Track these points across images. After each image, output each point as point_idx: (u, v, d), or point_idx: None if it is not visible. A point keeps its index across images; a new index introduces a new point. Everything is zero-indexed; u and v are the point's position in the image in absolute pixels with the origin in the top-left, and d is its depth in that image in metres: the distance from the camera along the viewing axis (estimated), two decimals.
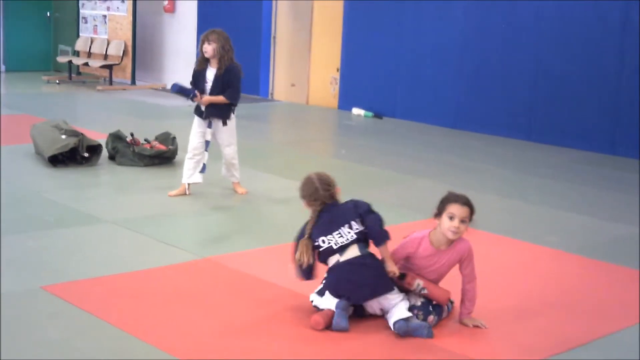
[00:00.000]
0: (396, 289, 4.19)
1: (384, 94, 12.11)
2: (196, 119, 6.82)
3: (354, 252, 4.18)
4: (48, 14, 16.88)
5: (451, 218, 4.12)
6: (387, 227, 4.28)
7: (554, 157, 9.56)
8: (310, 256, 4.23)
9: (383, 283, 4.14)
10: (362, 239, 4.23)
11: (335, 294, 4.13)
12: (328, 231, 4.22)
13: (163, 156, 7.97)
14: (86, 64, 15.12)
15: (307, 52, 13.26)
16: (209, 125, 6.79)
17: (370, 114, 12.10)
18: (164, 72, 15.24)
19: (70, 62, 15.43)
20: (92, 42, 15.37)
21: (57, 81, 15.25)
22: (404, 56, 11.79)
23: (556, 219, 6.72)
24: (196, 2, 14.48)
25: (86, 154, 7.80)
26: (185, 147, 6.90)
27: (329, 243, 4.21)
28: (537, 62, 10.41)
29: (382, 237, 4.22)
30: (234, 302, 4.48)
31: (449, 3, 11.24)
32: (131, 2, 14.62)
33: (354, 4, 12.34)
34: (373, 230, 4.23)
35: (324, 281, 4.28)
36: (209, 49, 6.54)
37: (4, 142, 8.68)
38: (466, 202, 4.15)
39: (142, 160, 7.86)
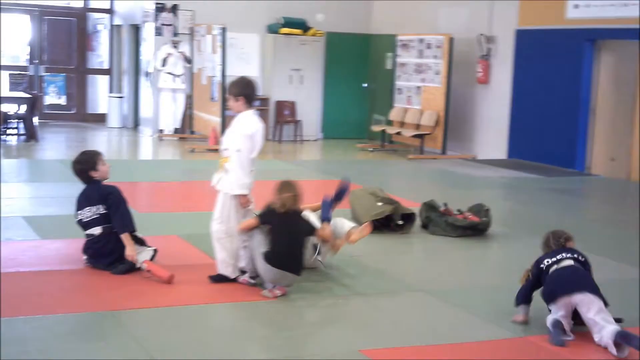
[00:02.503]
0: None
1: None
2: None
3: (569, 262, 5.14)
4: (364, 85, 17.67)
5: None
6: None
7: None
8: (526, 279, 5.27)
9: (592, 283, 5.03)
10: (579, 261, 5.17)
11: (551, 294, 5.00)
12: (552, 256, 5.19)
13: (476, 228, 7.80)
14: (399, 133, 15.54)
15: (630, 124, 12.47)
16: None
17: None
18: (475, 142, 15.18)
19: (383, 131, 15.97)
20: (405, 112, 15.79)
21: (371, 149, 15.83)
22: None
23: None
24: (511, 72, 14.32)
25: (400, 222, 7.89)
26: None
27: (550, 260, 5.17)
28: None
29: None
30: None
31: None
32: (446, 74, 14.84)
33: None
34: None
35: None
36: None
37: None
38: None
39: (455, 231, 7.76)
